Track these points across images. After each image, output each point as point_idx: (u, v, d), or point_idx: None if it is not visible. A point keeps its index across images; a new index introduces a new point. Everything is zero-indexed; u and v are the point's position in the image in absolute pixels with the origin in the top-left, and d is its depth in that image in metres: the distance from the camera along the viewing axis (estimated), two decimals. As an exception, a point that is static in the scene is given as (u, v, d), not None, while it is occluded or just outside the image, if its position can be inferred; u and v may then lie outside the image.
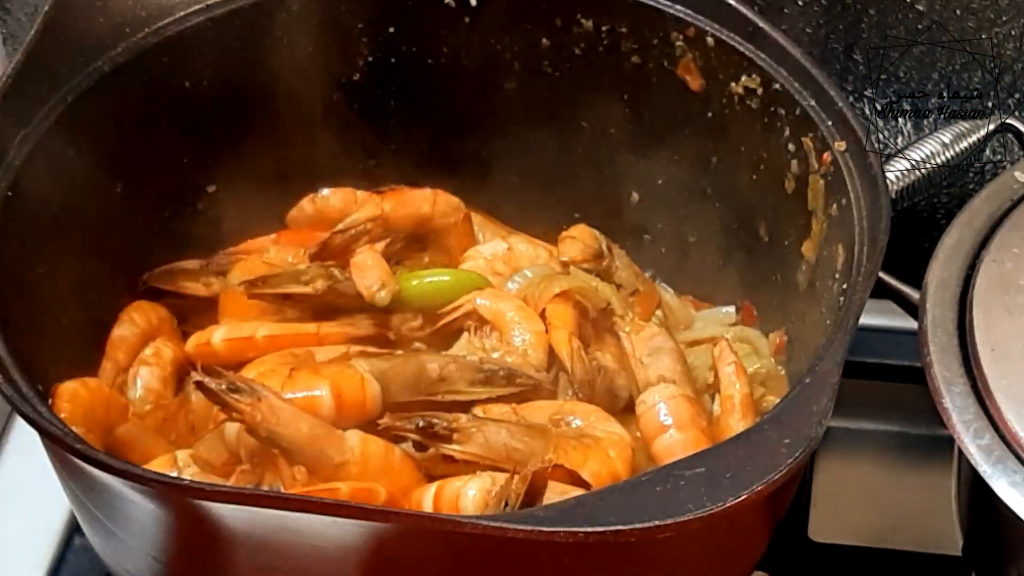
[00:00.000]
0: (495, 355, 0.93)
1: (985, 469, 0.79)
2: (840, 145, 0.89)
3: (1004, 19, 1.05)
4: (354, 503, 0.75)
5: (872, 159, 0.87)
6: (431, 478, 0.86)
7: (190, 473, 0.86)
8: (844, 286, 0.85)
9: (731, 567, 0.84)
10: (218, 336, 0.94)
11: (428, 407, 0.88)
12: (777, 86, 0.92)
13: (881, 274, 0.86)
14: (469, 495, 0.83)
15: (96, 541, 0.88)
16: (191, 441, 0.90)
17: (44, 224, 0.89)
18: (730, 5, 0.94)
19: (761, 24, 0.93)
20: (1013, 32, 1.05)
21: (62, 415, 0.85)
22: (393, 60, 1.02)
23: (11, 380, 0.78)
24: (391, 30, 1.01)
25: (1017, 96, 1.08)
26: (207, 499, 0.73)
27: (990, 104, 1.08)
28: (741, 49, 0.94)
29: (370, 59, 1.02)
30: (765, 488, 0.71)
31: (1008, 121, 0.95)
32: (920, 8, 1.05)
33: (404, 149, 1.05)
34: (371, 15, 1.01)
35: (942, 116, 1.08)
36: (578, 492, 0.82)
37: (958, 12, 1.05)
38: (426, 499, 0.84)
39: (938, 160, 0.93)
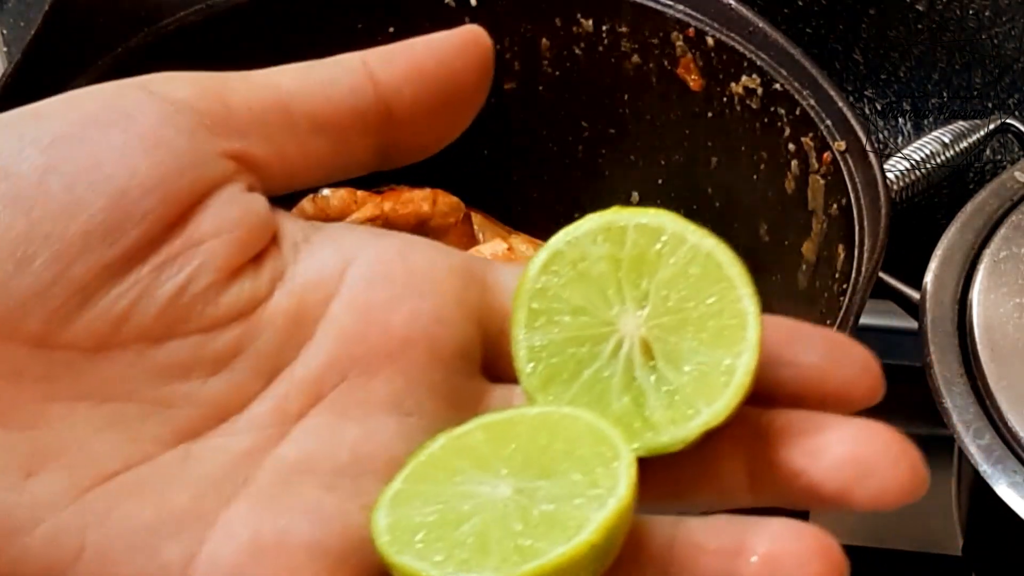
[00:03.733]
0: (495, 355, 0.93)
1: (985, 469, 0.79)
2: (840, 145, 0.89)
3: (1004, 19, 1.05)
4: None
5: (872, 159, 0.87)
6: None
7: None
8: (844, 286, 0.85)
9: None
10: (218, 336, 0.94)
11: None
12: (777, 86, 0.92)
13: (881, 274, 0.85)
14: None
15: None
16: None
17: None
18: (730, 5, 0.94)
19: (761, 24, 0.93)
20: (1013, 32, 1.05)
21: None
22: (393, 60, 1.02)
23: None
24: (391, 30, 1.01)
25: (1017, 96, 1.08)
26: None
27: (990, 104, 1.08)
28: (741, 49, 0.94)
29: (370, 59, 1.02)
30: (765, 488, 0.71)
31: (1008, 121, 0.96)
32: (920, 8, 1.05)
33: (404, 149, 1.05)
34: (371, 15, 1.01)
35: (942, 116, 1.08)
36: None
37: (958, 12, 1.05)
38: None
39: (938, 160, 0.93)
